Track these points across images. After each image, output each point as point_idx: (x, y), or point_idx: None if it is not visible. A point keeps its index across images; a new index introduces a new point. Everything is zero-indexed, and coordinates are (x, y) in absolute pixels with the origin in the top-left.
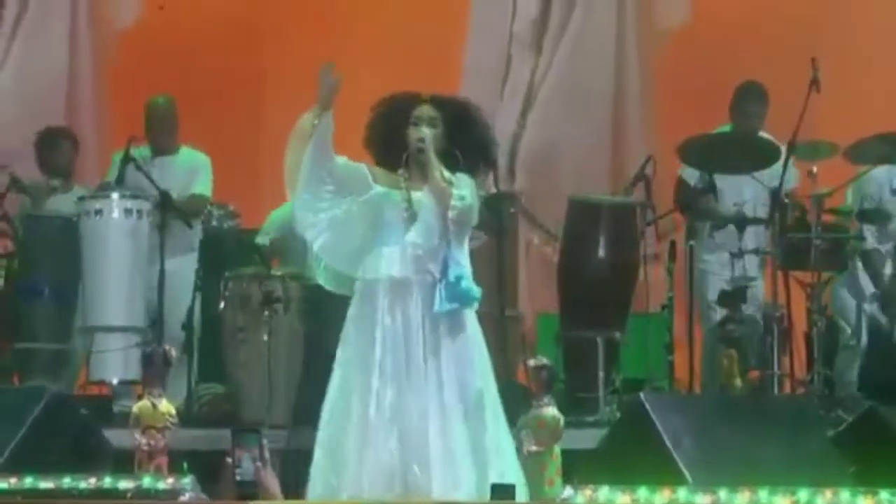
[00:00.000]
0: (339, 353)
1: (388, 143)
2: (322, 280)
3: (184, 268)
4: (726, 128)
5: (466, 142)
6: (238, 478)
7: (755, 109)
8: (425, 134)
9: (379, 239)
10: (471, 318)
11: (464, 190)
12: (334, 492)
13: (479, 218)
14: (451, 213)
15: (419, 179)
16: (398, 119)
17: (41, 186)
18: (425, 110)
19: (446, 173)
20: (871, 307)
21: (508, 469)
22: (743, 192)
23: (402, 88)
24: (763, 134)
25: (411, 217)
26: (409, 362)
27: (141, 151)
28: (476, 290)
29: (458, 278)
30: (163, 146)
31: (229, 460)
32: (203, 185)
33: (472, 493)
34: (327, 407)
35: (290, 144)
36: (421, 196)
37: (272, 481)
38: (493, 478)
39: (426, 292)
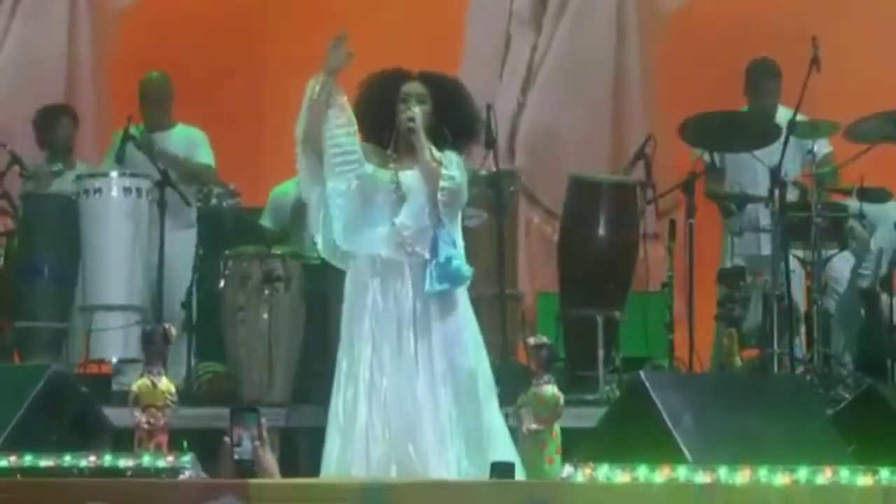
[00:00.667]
0: (341, 336)
1: (377, 120)
2: (321, 247)
3: (181, 244)
4: (744, 109)
5: (455, 119)
6: (236, 457)
7: (770, 85)
8: (415, 113)
9: (368, 219)
10: (462, 297)
11: (453, 169)
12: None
13: (479, 197)
14: (440, 195)
15: (408, 159)
16: (387, 95)
17: (43, 172)
18: (414, 87)
19: (436, 153)
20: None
21: (504, 448)
22: (743, 171)
23: (399, 66)
24: (781, 107)
25: (400, 198)
26: (401, 344)
27: (137, 129)
28: (467, 269)
29: (449, 259)
30: (158, 122)
31: (227, 439)
32: (205, 158)
33: (466, 473)
34: (333, 393)
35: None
36: (410, 176)
37: (271, 461)
38: (489, 458)
39: (416, 273)
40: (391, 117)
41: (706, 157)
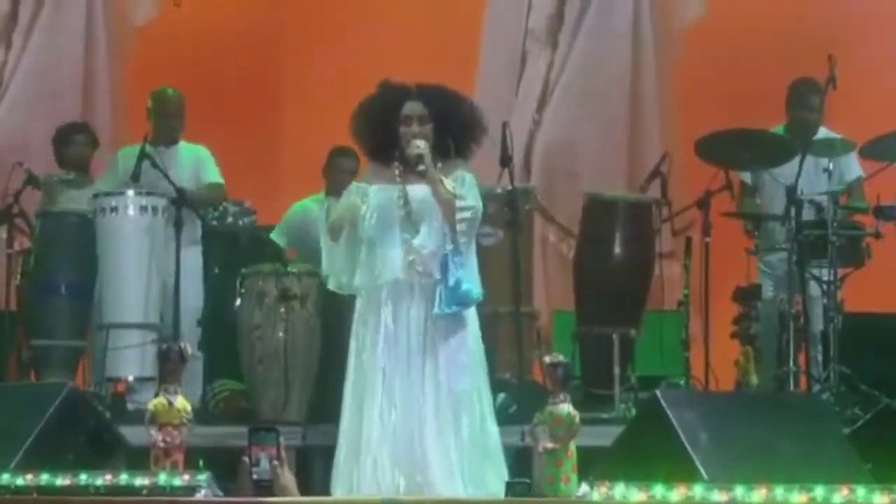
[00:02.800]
0: (349, 357)
1: (381, 142)
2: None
3: (188, 260)
4: (780, 127)
5: (457, 129)
6: (255, 476)
7: (811, 101)
8: (421, 148)
9: (377, 238)
10: (471, 316)
11: (469, 198)
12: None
13: (495, 215)
14: (459, 226)
15: (414, 173)
16: (387, 117)
17: (52, 182)
18: (416, 108)
19: (449, 183)
20: None
21: (498, 469)
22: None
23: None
24: (823, 128)
25: (408, 214)
26: (410, 369)
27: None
28: (476, 291)
29: (458, 282)
30: (169, 137)
31: (246, 459)
32: (214, 175)
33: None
34: (343, 415)
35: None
36: (419, 191)
37: (289, 480)
38: (488, 476)
39: (426, 293)
40: (394, 137)
41: (744, 177)
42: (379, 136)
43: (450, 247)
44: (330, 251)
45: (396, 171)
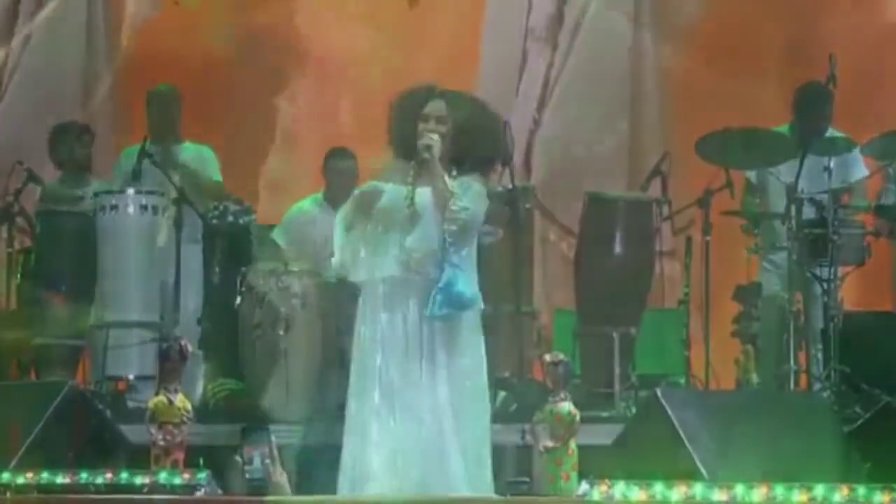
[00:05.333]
0: (351, 369)
1: (405, 139)
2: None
3: (189, 259)
4: (784, 127)
5: (475, 140)
6: (247, 475)
7: (823, 111)
8: (433, 141)
9: (381, 235)
10: (471, 317)
11: (465, 199)
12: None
13: (495, 214)
14: (447, 224)
15: (427, 175)
16: (411, 114)
17: (65, 196)
18: (437, 107)
19: (451, 183)
20: None
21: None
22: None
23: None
24: (831, 129)
25: (411, 214)
26: (408, 367)
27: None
28: (471, 293)
29: (450, 284)
30: (167, 135)
31: (238, 458)
32: (215, 175)
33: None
34: (347, 415)
35: None
36: (425, 194)
37: (282, 478)
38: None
39: (424, 294)
40: (414, 133)
41: (749, 175)
42: (401, 133)
43: (442, 244)
44: (341, 235)
45: (411, 172)
